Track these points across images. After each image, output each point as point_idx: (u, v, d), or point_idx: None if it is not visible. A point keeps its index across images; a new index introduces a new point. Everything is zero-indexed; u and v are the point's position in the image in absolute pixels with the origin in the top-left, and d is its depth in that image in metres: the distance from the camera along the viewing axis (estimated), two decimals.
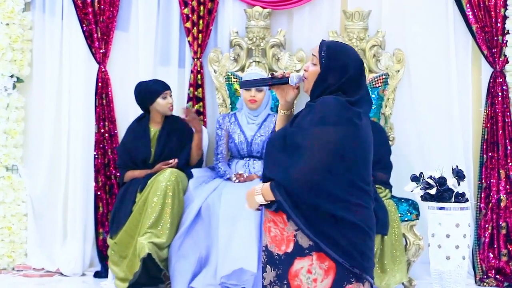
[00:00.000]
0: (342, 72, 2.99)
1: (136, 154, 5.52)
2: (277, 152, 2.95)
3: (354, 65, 3.01)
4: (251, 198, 3.03)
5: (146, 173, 5.44)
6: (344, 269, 2.93)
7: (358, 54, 3.10)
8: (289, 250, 2.97)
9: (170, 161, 5.44)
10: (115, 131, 5.99)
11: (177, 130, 5.60)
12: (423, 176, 4.58)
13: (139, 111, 5.68)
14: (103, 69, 5.99)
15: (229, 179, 5.49)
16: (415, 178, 4.62)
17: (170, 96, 5.59)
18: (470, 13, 5.77)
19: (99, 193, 5.97)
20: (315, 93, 3.02)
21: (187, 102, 5.96)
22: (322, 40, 3.08)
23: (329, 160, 2.87)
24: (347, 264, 2.92)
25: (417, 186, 4.59)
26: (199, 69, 5.95)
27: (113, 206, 5.59)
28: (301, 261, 2.95)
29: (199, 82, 5.95)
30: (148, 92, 5.52)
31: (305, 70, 3.06)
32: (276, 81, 3.06)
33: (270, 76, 3.10)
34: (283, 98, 3.10)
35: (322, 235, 2.90)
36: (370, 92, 5.70)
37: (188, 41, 5.96)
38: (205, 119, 5.97)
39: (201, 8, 5.94)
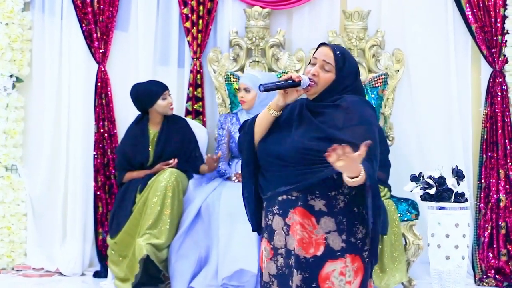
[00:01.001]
0: (356, 76, 3.05)
1: (134, 158, 5.49)
2: (320, 148, 2.87)
3: (358, 67, 3.12)
4: (354, 167, 2.75)
5: (145, 174, 5.43)
6: (368, 268, 2.97)
7: None
8: (319, 253, 2.94)
9: (170, 161, 5.43)
10: (115, 131, 5.99)
11: (177, 130, 5.56)
12: (423, 176, 4.58)
13: (139, 111, 5.67)
14: (103, 69, 5.99)
15: (228, 178, 5.49)
16: (414, 178, 4.62)
17: (169, 95, 5.55)
18: (470, 13, 5.77)
19: (98, 193, 5.97)
20: (325, 97, 3.01)
21: (187, 102, 5.96)
22: (326, 44, 3.07)
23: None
24: (376, 249, 2.97)
25: (417, 186, 4.59)
26: (198, 69, 5.95)
27: (112, 206, 5.58)
28: (333, 264, 2.93)
29: (199, 82, 5.95)
30: (148, 94, 5.46)
31: (314, 75, 3.02)
32: (293, 84, 3.02)
33: (287, 78, 3.02)
34: (284, 100, 3.04)
35: (378, 226, 2.93)
36: (370, 92, 5.71)
37: (188, 41, 5.96)
38: (204, 119, 5.97)
39: (201, 8, 5.94)
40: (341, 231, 2.93)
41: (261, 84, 3.03)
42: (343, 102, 2.96)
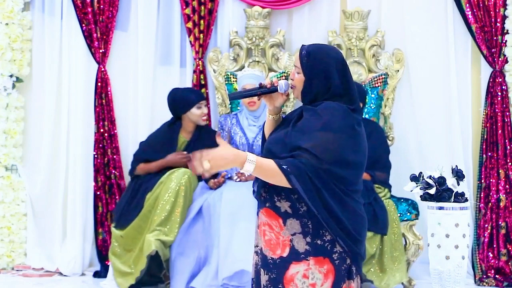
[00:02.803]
0: (326, 76, 3.00)
1: (154, 157, 5.47)
2: (279, 153, 2.92)
3: (336, 65, 3.01)
4: (220, 161, 2.82)
5: (157, 166, 5.41)
6: (340, 270, 2.94)
7: (339, 52, 3.08)
8: (285, 254, 2.96)
9: (184, 152, 5.42)
10: (115, 131, 5.99)
11: (207, 143, 5.54)
12: (423, 176, 4.57)
13: (139, 111, 5.69)
14: (103, 69, 5.99)
15: (230, 178, 5.49)
16: (414, 178, 4.61)
17: (205, 106, 5.56)
18: (470, 13, 5.77)
19: (98, 193, 5.97)
20: (307, 99, 3.03)
21: None
22: (302, 45, 3.09)
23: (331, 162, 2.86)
24: (353, 249, 2.91)
25: (417, 186, 4.57)
26: (201, 69, 5.94)
27: (123, 195, 5.52)
28: (297, 266, 2.94)
29: (202, 82, 5.94)
30: (183, 101, 5.48)
31: (291, 78, 3.07)
32: (265, 91, 3.04)
33: (258, 86, 3.07)
34: (272, 105, 3.09)
35: (333, 218, 2.88)
36: (370, 92, 5.71)
37: (190, 42, 5.96)
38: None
39: (202, 8, 5.94)
40: (305, 233, 2.93)
41: (229, 93, 3.06)
42: (319, 107, 2.96)
